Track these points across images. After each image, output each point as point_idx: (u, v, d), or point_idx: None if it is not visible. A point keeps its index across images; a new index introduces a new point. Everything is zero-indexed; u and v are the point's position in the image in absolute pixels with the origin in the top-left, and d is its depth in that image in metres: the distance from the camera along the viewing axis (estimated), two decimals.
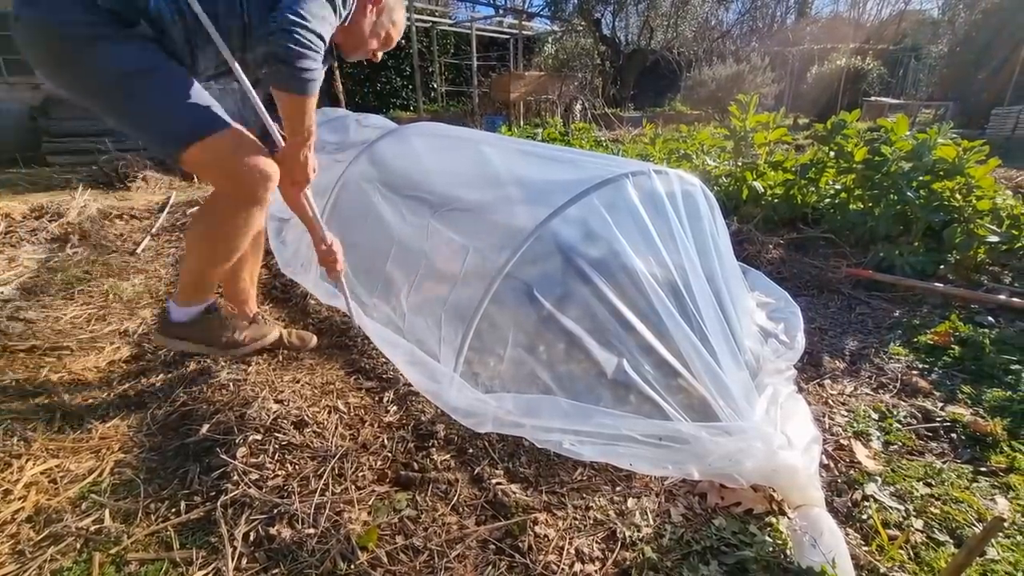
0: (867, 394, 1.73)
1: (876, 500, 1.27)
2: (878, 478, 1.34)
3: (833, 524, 1.11)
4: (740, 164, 4.04)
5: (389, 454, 1.39)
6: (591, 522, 1.19)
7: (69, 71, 1.33)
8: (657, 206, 1.56)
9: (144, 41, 1.32)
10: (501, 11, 14.16)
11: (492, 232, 1.75)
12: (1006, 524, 1.21)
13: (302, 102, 1.39)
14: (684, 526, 1.19)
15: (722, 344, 1.46)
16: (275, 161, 1.50)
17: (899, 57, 17.25)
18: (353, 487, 1.26)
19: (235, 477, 1.26)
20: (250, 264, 1.89)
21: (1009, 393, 1.68)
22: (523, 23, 14.65)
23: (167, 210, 4.11)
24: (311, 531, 1.13)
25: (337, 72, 9.19)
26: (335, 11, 1.39)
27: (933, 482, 1.34)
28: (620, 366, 1.42)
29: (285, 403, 1.53)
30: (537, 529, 1.15)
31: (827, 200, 3.50)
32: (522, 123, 10.23)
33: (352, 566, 1.06)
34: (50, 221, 3.49)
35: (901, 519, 1.22)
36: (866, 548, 1.15)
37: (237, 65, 1.41)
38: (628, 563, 1.09)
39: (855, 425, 1.56)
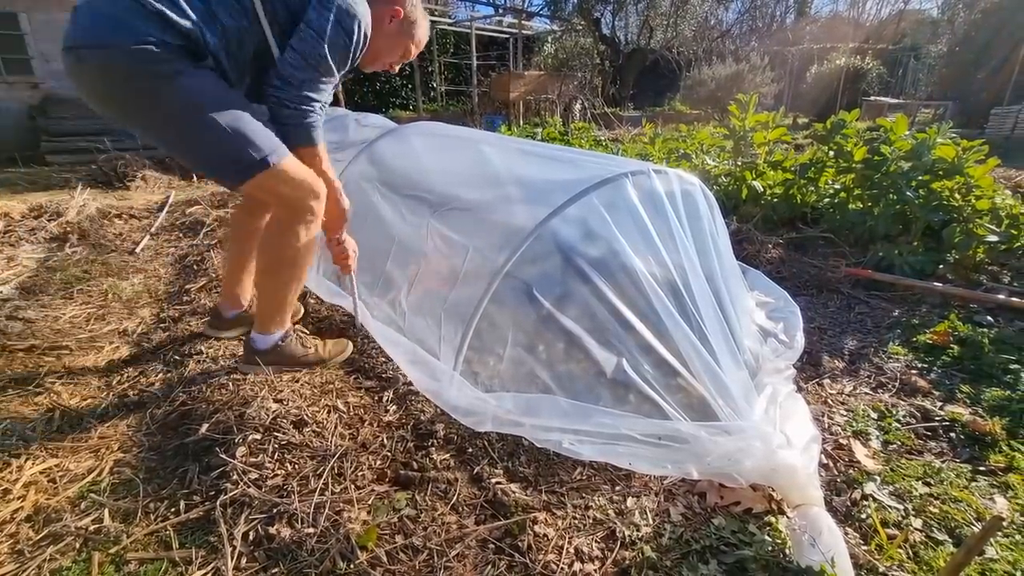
0: (866, 393, 1.74)
1: (875, 499, 1.27)
2: (877, 477, 1.34)
3: (832, 523, 1.11)
4: (739, 164, 4.04)
5: (389, 453, 1.39)
6: (590, 521, 1.19)
7: (142, 107, 1.35)
8: (656, 206, 1.56)
9: (212, 73, 1.36)
10: (501, 10, 14.16)
11: (492, 231, 1.75)
12: (1005, 523, 1.21)
13: (309, 151, 1.53)
14: (683, 525, 1.19)
15: (721, 343, 1.46)
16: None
17: (898, 57, 17.26)
18: (353, 486, 1.26)
19: (234, 476, 1.26)
20: (251, 263, 1.92)
21: (1008, 392, 1.68)
22: (523, 22, 14.65)
23: (166, 209, 4.11)
24: (310, 530, 1.13)
25: None
26: (345, 64, 1.48)
27: (932, 481, 1.34)
28: (619, 365, 1.43)
29: (284, 402, 1.53)
30: (536, 528, 1.15)
31: (826, 200, 3.50)
32: (521, 122, 10.24)
33: (352, 565, 1.06)
34: (49, 220, 3.49)
35: (900, 518, 1.22)
36: (865, 547, 1.15)
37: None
38: (627, 562, 1.09)
39: (854, 424, 1.56)
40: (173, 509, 1.21)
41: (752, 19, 23.04)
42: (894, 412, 1.62)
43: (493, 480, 1.29)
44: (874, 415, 1.61)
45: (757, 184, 3.67)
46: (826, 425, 1.57)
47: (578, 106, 12.41)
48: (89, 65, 1.29)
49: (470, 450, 1.40)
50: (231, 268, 1.96)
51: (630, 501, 1.25)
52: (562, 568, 1.07)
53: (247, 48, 1.41)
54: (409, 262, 1.98)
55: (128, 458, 1.38)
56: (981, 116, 9.55)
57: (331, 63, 1.43)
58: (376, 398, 1.64)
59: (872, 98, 13.21)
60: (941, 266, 2.64)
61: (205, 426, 1.44)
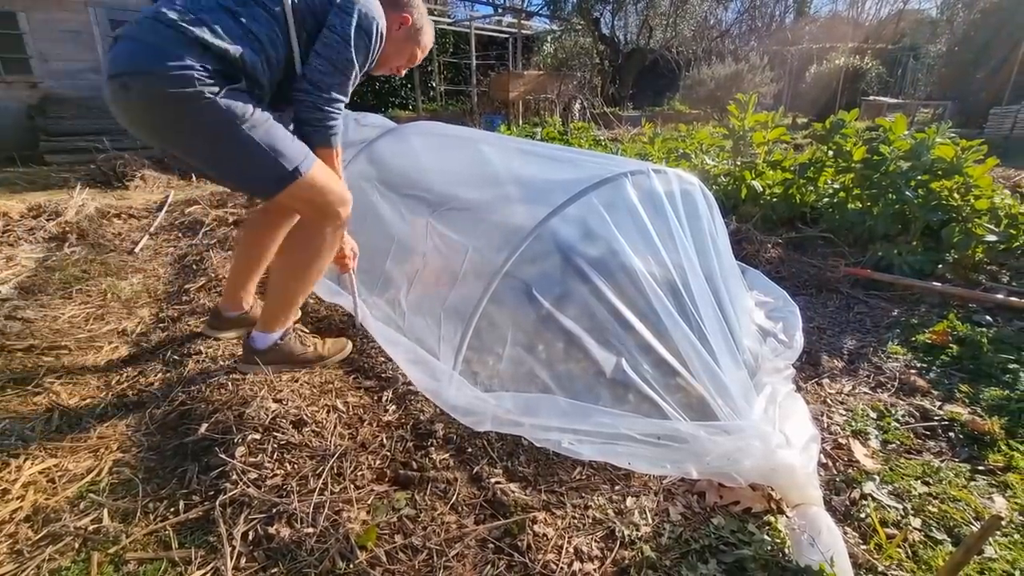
0: (865, 393, 1.74)
1: (874, 499, 1.27)
2: (876, 477, 1.34)
3: (831, 523, 1.11)
4: (739, 163, 4.04)
5: (388, 453, 1.39)
6: (590, 521, 1.19)
7: (183, 130, 1.40)
8: (656, 205, 1.56)
9: (244, 94, 1.41)
10: (500, 10, 14.16)
11: (491, 231, 1.76)
12: (1004, 522, 1.21)
13: (327, 153, 1.59)
14: (683, 525, 1.19)
15: (721, 343, 1.46)
16: None
17: (898, 56, 17.27)
18: (352, 486, 1.26)
19: (234, 476, 1.26)
20: (260, 267, 1.96)
21: (1007, 392, 1.69)
22: (522, 22, 14.64)
23: (165, 209, 4.10)
24: (310, 530, 1.13)
25: None
26: (367, 61, 1.55)
27: (931, 481, 1.34)
28: (619, 365, 1.43)
29: (284, 402, 1.53)
30: (536, 528, 1.15)
31: (826, 199, 3.50)
32: (521, 122, 10.23)
33: (351, 565, 1.06)
34: (48, 220, 3.49)
35: (899, 518, 1.22)
36: (864, 547, 1.15)
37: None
38: (627, 562, 1.09)
39: (853, 424, 1.57)
40: (172, 509, 1.21)
41: (751, 19, 23.07)
42: (893, 412, 1.62)
43: (492, 480, 1.29)
44: (873, 415, 1.62)
45: (756, 184, 3.67)
46: (825, 424, 1.57)
47: (577, 106, 12.41)
48: (134, 92, 1.34)
49: (469, 450, 1.40)
50: (238, 271, 1.96)
51: (629, 501, 1.25)
52: (561, 568, 1.07)
53: (280, 55, 1.46)
54: (408, 262, 1.98)
55: (127, 458, 1.38)
56: (980, 116, 9.55)
57: (356, 65, 1.51)
58: (375, 398, 1.64)
59: (871, 98, 13.22)
60: (940, 266, 2.64)
61: (204, 426, 1.44)
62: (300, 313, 2.15)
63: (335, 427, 1.47)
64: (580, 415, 1.35)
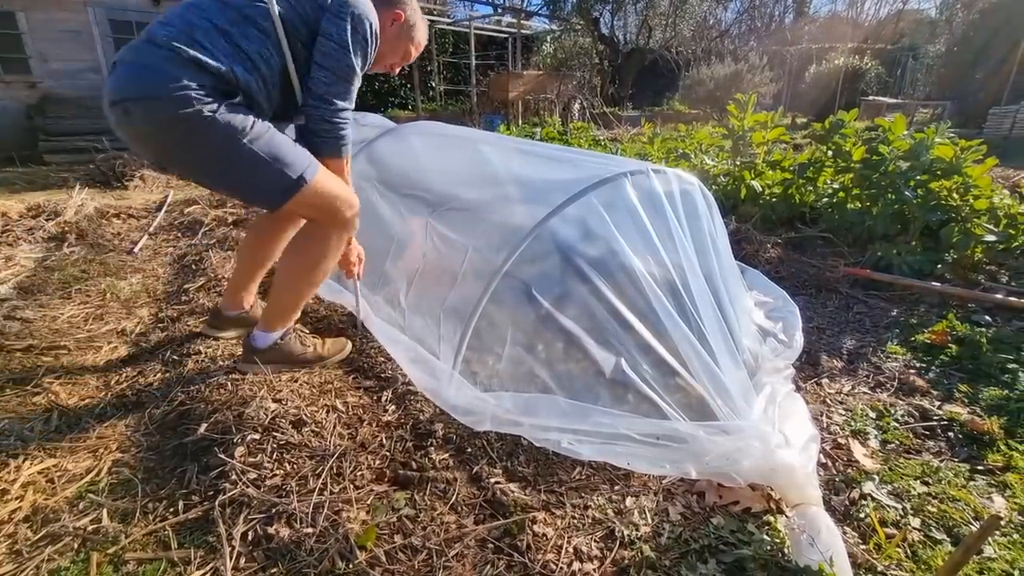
0: (865, 393, 1.74)
1: (874, 498, 1.27)
2: (876, 477, 1.35)
3: (831, 522, 1.11)
4: (738, 163, 4.05)
5: (387, 453, 1.39)
6: (589, 521, 1.19)
7: (187, 150, 1.41)
8: (655, 205, 1.56)
9: (243, 107, 1.42)
10: (500, 10, 14.17)
11: (490, 231, 1.76)
12: (1003, 522, 1.21)
13: (338, 162, 1.61)
14: (682, 525, 1.19)
15: (720, 343, 1.47)
16: None
17: (897, 57, 17.28)
18: (351, 486, 1.26)
19: (233, 476, 1.26)
20: (263, 269, 1.97)
21: (1006, 392, 1.69)
22: (522, 22, 14.65)
23: (164, 209, 4.10)
24: (309, 530, 1.13)
25: None
26: (366, 61, 1.55)
27: (930, 481, 1.34)
28: (618, 365, 1.43)
29: (283, 402, 1.53)
30: (536, 528, 1.15)
31: (825, 199, 3.50)
32: (520, 122, 10.23)
33: (351, 565, 1.06)
34: (47, 220, 3.48)
35: (898, 517, 1.22)
36: (864, 546, 1.15)
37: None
38: (626, 562, 1.09)
39: (853, 424, 1.57)
40: (172, 509, 1.21)
41: (751, 19, 23.10)
42: (892, 411, 1.62)
43: (492, 480, 1.29)
44: (872, 414, 1.62)
45: (756, 184, 3.67)
46: (825, 424, 1.57)
47: (577, 106, 12.41)
48: (136, 117, 1.36)
49: (469, 450, 1.40)
50: (241, 271, 1.96)
51: (629, 500, 1.25)
52: (561, 567, 1.07)
53: (275, 70, 1.46)
54: (408, 262, 1.98)
55: (126, 458, 1.38)
56: (979, 116, 9.56)
57: (356, 69, 1.51)
58: (375, 398, 1.64)
59: (870, 98, 13.22)
60: (939, 266, 2.64)
61: (204, 426, 1.44)
62: (300, 313, 2.15)
63: (335, 427, 1.47)
64: (579, 415, 1.35)
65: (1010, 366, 1.81)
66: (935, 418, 1.59)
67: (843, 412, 1.63)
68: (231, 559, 1.07)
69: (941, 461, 1.42)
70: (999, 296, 2.32)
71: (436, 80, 13.03)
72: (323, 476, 1.27)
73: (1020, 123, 8.33)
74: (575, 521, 1.19)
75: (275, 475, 1.28)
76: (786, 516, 1.18)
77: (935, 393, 1.73)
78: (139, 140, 1.43)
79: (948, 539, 1.17)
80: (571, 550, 1.11)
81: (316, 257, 1.64)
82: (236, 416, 1.45)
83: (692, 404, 1.39)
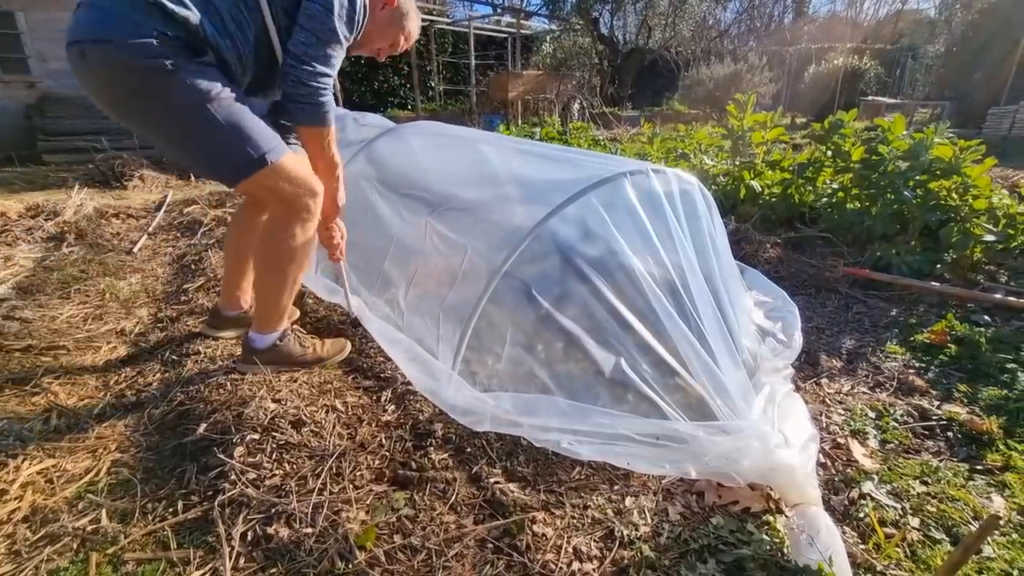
0: (864, 393, 1.74)
1: (873, 498, 1.27)
2: (875, 476, 1.35)
3: (830, 522, 1.11)
4: (738, 163, 4.05)
5: (387, 453, 1.39)
6: (589, 521, 1.19)
7: (143, 104, 1.35)
8: (655, 205, 1.56)
9: (213, 69, 1.35)
10: (499, 10, 14.17)
11: (490, 231, 1.75)
12: (1002, 522, 1.21)
13: (318, 133, 1.53)
14: (682, 525, 1.19)
15: (720, 343, 1.47)
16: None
17: (896, 57, 17.30)
18: (351, 486, 1.26)
19: (232, 477, 1.26)
20: (251, 265, 1.91)
21: (1005, 392, 1.69)
22: (521, 22, 14.65)
23: (164, 209, 4.10)
24: (309, 530, 1.13)
25: None
26: (352, 31, 1.47)
27: (929, 480, 1.34)
28: (618, 365, 1.43)
29: (283, 402, 1.53)
30: (535, 528, 1.15)
31: (824, 199, 3.50)
32: (520, 122, 10.23)
33: (350, 565, 1.06)
34: (46, 220, 3.48)
35: (898, 517, 1.22)
36: (863, 546, 1.15)
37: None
38: (626, 561, 1.09)
39: (852, 423, 1.57)
40: (171, 509, 1.21)
41: (750, 19, 23.11)
42: (892, 411, 1.62)
43: (492, 480, 1.29)
44: (872, 414, 1.62)
45: (755, 184, 3.67)
46: (824, 424, 1.57)
47: (576, 106, 12.41)
48: (92, 60, 1.29)
49: (468, 450, 1.40)
50: (230, 269, 1.96)
51: (628, 500, 1.25)
52: (561, 567, 1.07)
53: (247, 34, 1.39)
54: (407, 262, 1.98)
55: (126, 458, 1.38)
56: (978, 116, 9.58)
57: (340, 35, 1.43)
58: (374, 398, 1.64)
59: (870, 98, 13.24)
60: (938, 266, 2.64)
61: (203, 426, 1.43)
62: (299, 313, 2.15)
63: (334, 427, 1.47)
64: (579, 415, 1.35)
65: (1009, 366, 1.81)
66: (934, 418, 1.59)
67: (842, 412, 1.63)
68: (230, 559, 1.07)
69: (940, 461, 1.42)
70: (998, 296, 2.32)
71: (435, 80, 13.03)
72: (322, 476, 1.27)
73: (1019, 123, 8.35)
74: (575, 521, 1.19)
75: (274, 475, 1.28)
76: (785, 516, 1.18)
77: (934, 393, 1.73)
78: (93, 86, 1.36)
79: (947, 539, 1.17)
80: (571, 550, 1.11)
81: (284, 253, 1.57)
82: (235, 416, 1.45)
83: (692, 404, 1.39)
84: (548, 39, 17.19)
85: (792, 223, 3.51)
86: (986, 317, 2.19)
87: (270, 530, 1.13)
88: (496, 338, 1.56)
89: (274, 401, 1.53)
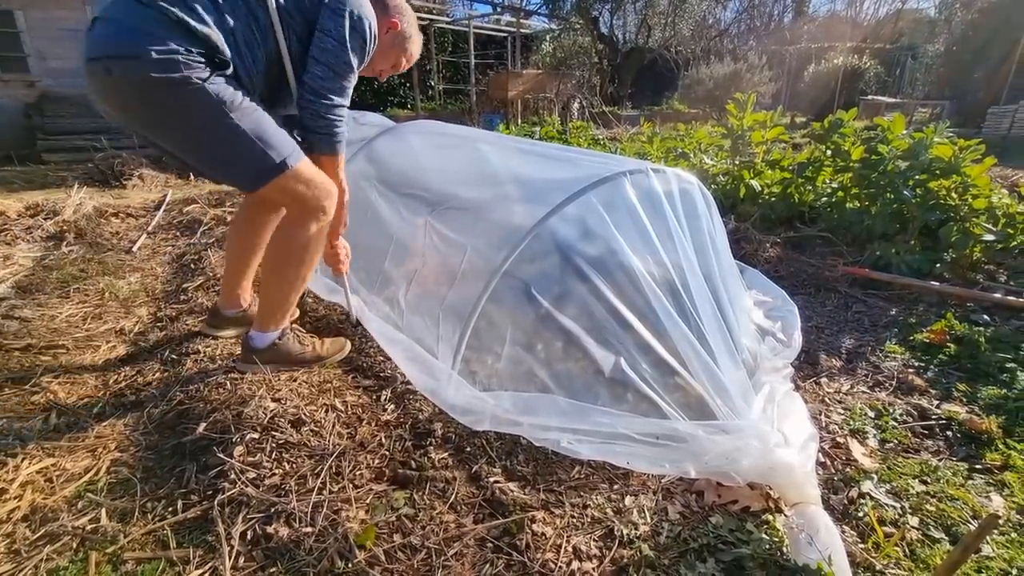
0: (863, 392, 1.74)
1: (872, 497, 1.27)
2: (874, 476, 1.35)
3: (829, 521, 1.11)
4: (737, 163, 4.05)
5: (387, 452, 1.39)
6: (589, 520, 1.19)
7: (167, 116, 1.37)
8: (655, 205, 1.56)
9: (234, 81, 1.39)
10: (499, 9, 14.16)
11: (490, 230, 1.75)
12: (1001, 521, 1.21)
13: (333, 160, 1.61)
14: (681, 524, 1.19)
15: (719, 342, 1.47)
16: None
17: (896, 56, 17.30)
18: (351, 486, 1.26)
19: (232, 476, 1.25)
20: (253, 264, 1.95)
21: (1004, 391, 1.69)
22: (521, 21, 14.64)
23: (163, 208, 4.09)
24: (309, 530, 1.13)
25: None
26: (364, 59, 1.55)
27: (929, 480, 1.34)
28: (618, 364, 1.43)
29: (282, 401, 1.52)
30: (535, 527, 1.15)
31: (824, 199, 3.50)
32: (520, 121, 10.23)
33: (350, 565, 1.06)
34: (46, 219, 3.48)
35: (897, 516, 1.23)
36: (862, 545, 1.15)
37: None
38: (626, 561, 1.09)
39: (851, 423, 1.57)
40: (171, 508, 1.21)
41: (750, 18, 23.11)
42: (891, 410, 1.62)
43: (491, 479, 1.29)
44: (871, 413, 1.62)
45: (755, 183, 3.67)
46: (823, 423, 1.57)
47: (576, 105, 12.41)
48: (116, 76, 1.31)
49: (468, 449, 1.40)
50: (231, 268, 1.96)
51: (628, 500, 1.25)
52: (560, 567, 1.07)
53: (257, 54, 1.44)
54: (407, 261, 1.98)
55: (125, 457, 1.38)
56: (978, 115, 9.58)
57: (354, 67, 1.51)
58: (374, 397, 1.64)
59: (870, 97, 13.24)
60: (938, 265, 2.64)
61: (203, 425, 1.43)
62: (298, 312, 2.15)
63: (334, 426, 1.47)
64: (579, 414, 1.35)
65: (1008, 365, 1.82)
66: (933, 417, 1.59)
67: (842, 411, 1.64)
68: (230, 558, 1.07)
69: (939, 460, 1.42)
70: (997, 295, 2.32)
71: (435, 79, 13.02)
72: (322, 475, 1.27)
73: (1019, 123, 8.35)
74: (574, 520, 1.19)
75: (274, 474, 1.28)
76: (785, 515, 1.18)
77: (934, 392, 1.73)
78: (117, 101, 1.38)
79: (946, 538, 1.17)
80: (570, 549, 1.11)
81: (297, 253, 1.60)
82: (235, 415, 1.45)
83: (691, 403, 1.39)
84: (548, 38, 17.19)
85: (792, 222, 3.51)
86: (985, 316, 2.19)
87: (270, 529, 1.13)
88: (496, 337, 1.56)
89: (274, 400, 1.53)
